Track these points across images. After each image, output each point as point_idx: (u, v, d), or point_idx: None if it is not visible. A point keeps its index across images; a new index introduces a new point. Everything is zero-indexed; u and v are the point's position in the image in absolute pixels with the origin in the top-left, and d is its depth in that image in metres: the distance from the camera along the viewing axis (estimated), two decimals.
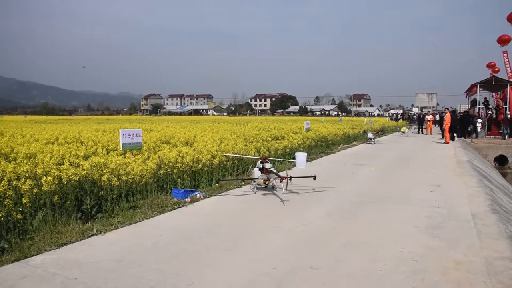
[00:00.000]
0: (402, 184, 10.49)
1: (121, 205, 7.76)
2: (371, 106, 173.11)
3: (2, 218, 6.23)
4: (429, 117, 35.63)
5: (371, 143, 22.83)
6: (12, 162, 8.49)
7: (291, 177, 9.01)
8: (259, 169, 9.62)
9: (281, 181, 8.98)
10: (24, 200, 6.45)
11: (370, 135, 23.58)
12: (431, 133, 33.37)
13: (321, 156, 16.52)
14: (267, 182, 9.23)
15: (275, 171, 9.68)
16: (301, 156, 13.40)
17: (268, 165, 9.57)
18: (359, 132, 26.59)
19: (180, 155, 9.98)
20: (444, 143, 23.90)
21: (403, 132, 32.32)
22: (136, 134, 10.30)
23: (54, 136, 14.49)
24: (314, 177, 9.13)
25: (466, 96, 43.46)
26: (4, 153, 10.37)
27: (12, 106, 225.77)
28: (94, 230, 6.14)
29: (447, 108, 28.62)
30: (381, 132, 29.53)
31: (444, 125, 24.79)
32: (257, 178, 9.32)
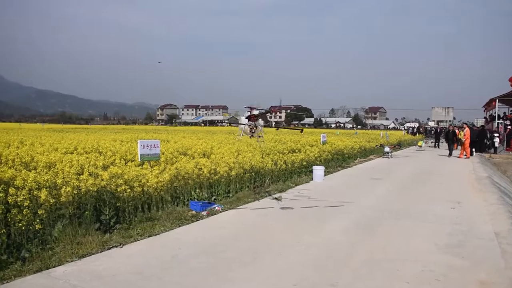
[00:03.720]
0: (420, 200, 10.34)
1: (138, 217, 7.79)
2: (387, 119, 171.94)
3: (23, 228, 6.30)
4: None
5: (388, 157, 22.62)
6: (33, 171, 8.58)
7: (278, 127, 9.33)
8: (246, 118, 9.52)
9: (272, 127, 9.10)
10: (39, 211, 6.48)
11: (387, 149, 23.38)
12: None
13: (338, 170, 16.41)
14: (253, 130, 9.14)
15: (261, 123, 9.59)
16: (318, 170, 13.32)
17: (256, 112, 9.45)
18: (376, 146, 26.36)
19: (197, 166, 9.99)
20: (465, 158, 23.58)
21: (420, 146, 31.98)
22: (154, 145, 10.34)
23: (73, 145, 14.64)
24: (301, 130, 9.40)
25: (484, 111, 42.87)
26: (25, 162, 10.50)
27: (30, 114, 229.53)
28: (114, 242, 6.14)
29: (465, 123, 28.23)
30: (398, 146, 29.27)
31: (463, 140, 24.45)
32: (244, 125, 9.22)
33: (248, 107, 10.20)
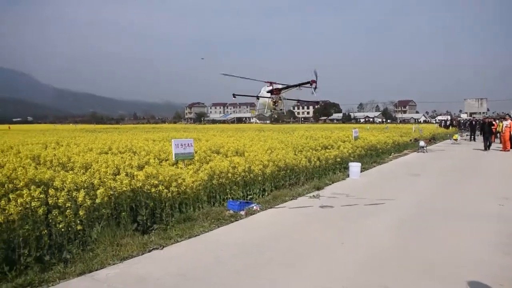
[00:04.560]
0: (465, 196, 9.91)
1: (175, 217, 7.71)
2: (417, 112, 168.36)
3: (63, 229, 6.30)
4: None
5: (423, 152, 21.99)
6: (70, 172, 8.65)
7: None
8: (268, 91, 9.22)
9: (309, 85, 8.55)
10: (80, 212, 6.48)
11: (422, 143, 22.73)
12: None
13: (374, 166, 16.00)
14: (277, 104, 8.84)
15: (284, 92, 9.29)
16: (355, 167, 12.99)
17: (278, 85, 9.21)
18: (410, 140, 25.69)
19: (232, 165, 9.87)
20: (501, 150, 22.72)
21: (456, 139, 31.00)
22: (187, 144, 10.28)
23: (107, 145, 14.78)
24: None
25: None
26: (62, 162, 10.63)
27: (63, 115, 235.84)
28: (154, 244, 6.05)
29: (508, 114, 27.02)
30: (433, 140, 28.47)
31: (503, 132, 23.50)
32: (266, 97, 8.92)
33: (268, 82, 10.06)
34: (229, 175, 9.37)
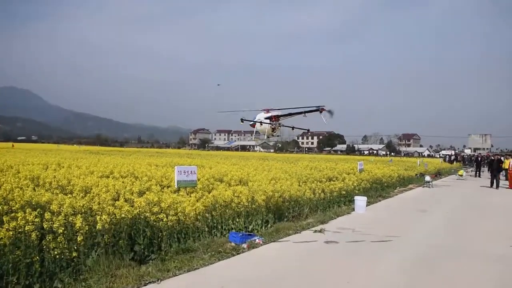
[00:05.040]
0: (475, 235, 9.56)
1: (174, 247, 7.40)
2: (421, 146, 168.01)
3: (57, 256, 6.02)
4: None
5: (429, 187, 21.65)
6: (69, 195, 8.40)
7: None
8: (267, 118, 9.43)
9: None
10: (78, 239, 6.21)
11: (427, 178, 22.43)
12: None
13: (379, 200, 15.66)
14: (275, 131, 9.02)
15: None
16: (360, 201, 12.67)
17: (276, 112, 9.42)
18: (416, 175, 25.37)
19: (235, 194, 9.60)
20: (508, 188, 22.35)
21: (461, 175, 30.61)
22: (191, 171, 10.03)
23: (109, 169, 14.54)
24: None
25: None
26: (62, 185, 10.39)
27: (68, 136, 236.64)
28: (151, 277, 5.73)
29: None
30: (439, 175, 28.14)
31: (510, 170, 23.17)
32: (263, 123, 9.14)
33: (265, 109, 10.31)
34: (233, 205, 9.08)
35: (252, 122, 13.83)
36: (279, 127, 11.05)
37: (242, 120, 14.49)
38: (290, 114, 12.34)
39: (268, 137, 11.62)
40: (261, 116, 11.87)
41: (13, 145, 67.74)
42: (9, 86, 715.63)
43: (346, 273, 6.24)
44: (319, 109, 12.05)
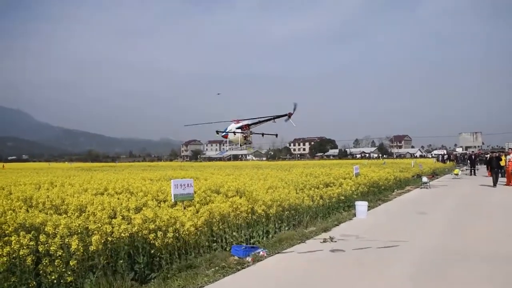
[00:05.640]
0: (481, 236, 9.40)
1: (175, 264, 7.16)
2: (412, 147, 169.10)
3: (55, 281, 5.77)
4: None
5: (427, 188, 21.56)
6: (63, 215, 8.14)
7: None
8: (238, 127, 10.19)
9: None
10: (71, 262, 5.94)
11: (424, 179, 22.36)
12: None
13: (379, 204, 15.50)
14: (248, 138, 9.66)
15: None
16: (361, 206, 12.49)
17: (246, 122, 10.08)
18: (413, 176, 25.29)
19: (234, 206, 9.38)
20: (505, 185, 22.35)
21: (457, 174, 30.62)
22: (187, 184, 9.78)
23: (103, 186, 14.24)
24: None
25: None
26: (55, 204, 10.10)
27: (59, 154, 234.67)
28: None
29: (511, 149, 26.71)
30: (436, 175, 28.12)
31: (506, 167, 23.17)
32: (234, 132, 9.82)
33: (235, 120, 11.05)
34: (232, 217, 8.86)
35: (224, 133, 14.47)
36: (251, 135, 11.45)
37: (217, 132, 15.33)
38: (259, 122, 12.79)
39: (241, 145, 12.12)
40: (233, 126, 12.27)
41: (3, 166, 66.81)
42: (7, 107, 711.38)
43: (356, 283, 6.04)
44: (287, 115, 12.53)
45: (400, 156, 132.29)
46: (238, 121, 11.11)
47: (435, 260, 7.28)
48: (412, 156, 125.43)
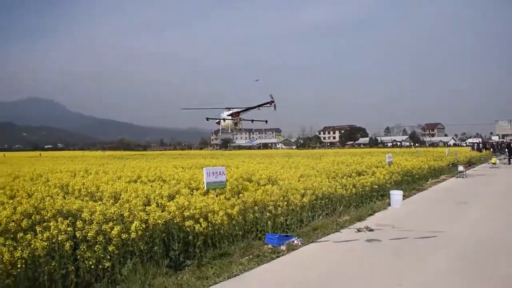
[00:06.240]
0: None
1: (210, 252, 7.14)
2: (445, 135, 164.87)
3: (92, 266, 5.84)
4: None
5: (463, 177, 20.95)
6: (99, 202, 8.24)
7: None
8: (229, 115, 11.16)
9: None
10: (110, 248, 6.01)
11: (460, 168, 21.73)
12: None
13: (414, 193, 15.15)
14: (237, 124, 10.56)
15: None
16: (396, 195, 12.22)
17: (236, 109, 10.98)
18: (447, 165, 24.63)
19: (267, 194, 9.31)
20: None
21: (494, 163, 29.62)
22: (219, 172, 9.72)
23: (136, 173, 14.40)
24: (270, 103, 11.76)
25: None
26: (91, 192, 10.27)
27: (92, 142, 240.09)
28: (190, 286, 5.47)
29: None
30: (472, 164, 27.32)
31: None
32: (226, 119, 10.74)
33: (227, 108, 12.14)
34: (266, 207, 8.75)
35: (217, 120, 15.99)
36: (240, 121, 12.93)
37: (207, 118, 17.09)
38: (247, 109, 13.97)
39: (232, 131, 13.53)
40: (225, 114, 13.55)
41: (40, 154, 69.09)
42: (33, 97, 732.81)
43: (395, 275, 5.85)
44: (269, 102, 13.74)
45: (432, 144, 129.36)
46: (229, 109, 12.33)
47: (477, 252, 7.02)
48: (446, 144, 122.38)
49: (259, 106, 13.59)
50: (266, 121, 15.58)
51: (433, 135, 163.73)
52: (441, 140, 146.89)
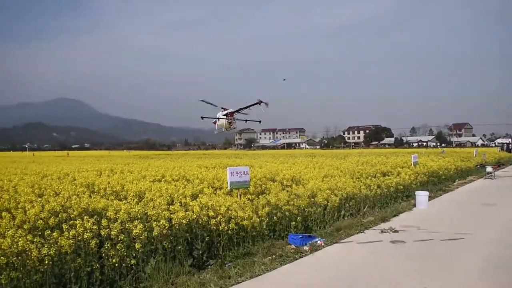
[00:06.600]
0: None
1: (233, 251, 7.15)
2: (473, 135, 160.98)
3: (116, 264, 5.91)
4: None
5: (491, 178, 20.42)
6: (123, 201, 8.37)
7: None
8: (224, 115, 12.96)
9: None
10: (136, 246, 6.08)
11: (489, 169, 21.19)
12: None
13: (440, 194, 14.84)
14: (232, 124, 12.28)
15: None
16: (422, 196, 11.99)
17: (231, 110, 12.69)
18: (475, 166, 24.07)
19: (292, 194, 9.26)
20: None
21: None
22: (243, 172, 9.74)
23: (160, 173, 14.60)
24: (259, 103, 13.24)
25: None
26: (116, 190, 10.43)
27: (118, 142, 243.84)
28: (213, 285, 5.48)
29: None
30: (502, 165, 26.61)
31: None
32: (220, 119, 13.18)
33: (222, 108, 14.08)
34: (291, 207, 8.69)
35: (214, 120, 16.91)
36: (234, 121, 14.77)
37: (202, 117, 18.45)
38: (239, 110, 15.25)
39: (226, 129, 15.83)
40: (220, 113, 15.13)
41: (68, 154, 70.64)
42: (60, 98, 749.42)
43: (420, 278, 5.73)
44: (258, 102, 14.68)
45: (460, 145, 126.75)
46: (224, 109, 14.13)
47: (506, 256, 6.80)
48: (473, 145, 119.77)
49: (250, 106, 14.81)
50: (260, 121, 16.87)
51: (460, 135, 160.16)
52: (468, 141, 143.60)
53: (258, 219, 7.67)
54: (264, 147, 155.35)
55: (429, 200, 12.75)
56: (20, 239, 5.27)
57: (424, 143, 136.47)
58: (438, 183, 17.90)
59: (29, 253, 5.24)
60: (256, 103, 14.89)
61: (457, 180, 20.03)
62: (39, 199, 8.22)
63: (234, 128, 14.95)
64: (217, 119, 17.55)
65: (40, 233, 5.98)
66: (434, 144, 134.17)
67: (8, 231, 5.53)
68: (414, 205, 11.89)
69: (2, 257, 5.03)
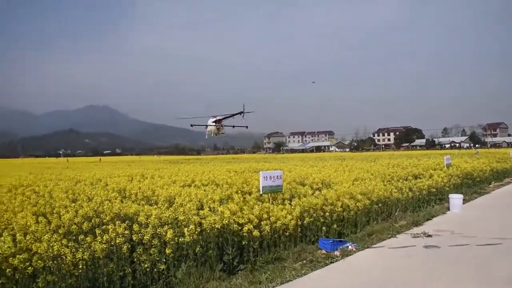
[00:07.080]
0: None
1: (263, 256, 7.12)
2: (509, 135, 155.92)
3: (148, 268, 5.99)
4: None
5: None
6: (154, 206, 8.46)
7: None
8: (213, 121, 13.67)
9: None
10: (167, 251, 6.15)
11: None
12: None
13: (475, 197, 14.43)
14: (220, 129, 11.87)
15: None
16: (456, 199, 11.68)
17: (220, 117, 12.92)
18: None
19: (324, 199, 9.15)
20: None
21: None
22: (277, 176, 9.59)
23: (190, 178, 14.71)
24: (241, 113, 15.18)
25: None
26: (147, 196, 10.57)
27: (148, 147, 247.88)
28: None
29: None
30: None
31: None
32: (211, 125, 13.76)
33: (212, 116, 15.48)
34: (321, 212, 8.59)
35: (205, 126, 19.57)
36: (222, 127, 16.15)
37: (191, 125, 20.30)
38: (225, 117, 16.98)
39: (215, 134, 17.70)
40: (210, 121, 16.67)
41: (100, 159, 72.34)
42: (89, 105, 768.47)
43: (456, 284, 5.56)
44: (240, 113, 17.53)
45: (495, 145, 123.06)
46: (214, 116, 15.34)
47: None
48: (510, 145, 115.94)
49: (234, 115, 16.74)
50: (247, 127, 18.63)
51: (495, 135, 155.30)
52: (504, 141, 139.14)
53: (293, 221, 7.63)
54: (292, 151, 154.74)
55: (464, 203, 12.42)
56: (55, 244, 5.42)
57: (457, 144, 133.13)
58: (472, 186, 17.40)
59: (64, 257, 5.37)
60: (238, 113, 16.41)
61: (493, 182, 19.44)
62: (73, 204, 8.41)
63: (223, 133, 16.83)
64: (205, 126, 19.45)
65: (74, 237, 6.12)
66: (468, 145, 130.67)
67: (44, 235, 5.67)
68: (448, 209, 11.60)
69: (39, 261, 5.17)
